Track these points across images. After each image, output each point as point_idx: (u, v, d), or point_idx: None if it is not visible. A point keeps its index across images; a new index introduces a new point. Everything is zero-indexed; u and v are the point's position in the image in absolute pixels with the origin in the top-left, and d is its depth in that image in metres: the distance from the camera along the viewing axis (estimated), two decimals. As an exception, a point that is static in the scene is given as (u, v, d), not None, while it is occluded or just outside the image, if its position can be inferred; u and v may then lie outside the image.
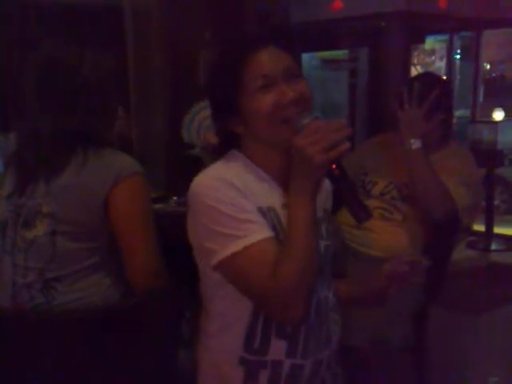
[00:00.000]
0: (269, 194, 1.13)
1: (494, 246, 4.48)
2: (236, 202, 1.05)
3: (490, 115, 5.00)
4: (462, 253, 4.18)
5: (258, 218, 1.07)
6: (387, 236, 2.00)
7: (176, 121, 2.44)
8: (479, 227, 4.46)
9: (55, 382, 1.24)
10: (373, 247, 2.01)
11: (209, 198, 1.06)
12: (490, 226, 4.52)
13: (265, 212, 1.09)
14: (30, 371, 1.26)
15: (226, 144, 1.19)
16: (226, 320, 1.14)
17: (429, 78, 2.18)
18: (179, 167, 1.19)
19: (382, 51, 4.43)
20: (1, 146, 2.36)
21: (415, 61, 6.13)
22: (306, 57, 5.32)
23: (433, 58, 6.62)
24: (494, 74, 6.35)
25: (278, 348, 1.12)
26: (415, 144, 1.87)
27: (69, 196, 1.30)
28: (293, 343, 1.12)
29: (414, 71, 5.43)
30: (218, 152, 1.19)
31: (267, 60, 1.10)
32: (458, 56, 6.11)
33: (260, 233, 1.05)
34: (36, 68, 1.38)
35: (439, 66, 6.46)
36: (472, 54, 5.50)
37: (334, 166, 1.02)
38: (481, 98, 5.73)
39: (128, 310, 1.30)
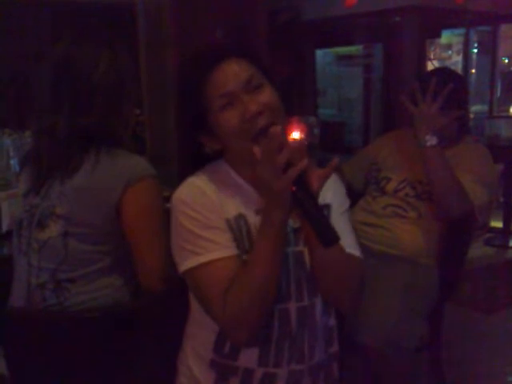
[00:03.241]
0: (243, 202, 1.12)
1: (511, 243, 4.43)
2: (202, 217, 1.07)
3: (507, 110, 4.94)
4: (479, 250, 4.14)
5: (221, 236, 1.07)
6: (402, 234, 1.98)
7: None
8: (497, 224, 4.42)
9: (65, 380, 1.25)
10: (387, 245, 1.99)
11: (178, 212, 1.09)
12: (507, 223, 4.46)
13: (231, 223, 1.09)
14: (41, 369, 1.27)
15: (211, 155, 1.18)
16: (200, 322, 1.15)
17: (443, 72, 2.14)
18: (192, 166, 1.19)
19: (396, 46, 4.39)
20: (16, 144, 2.38)
21: (432, 55, 6.06)
22: (320, 53, 5.30)
23: (449, 52, 6.52)
24: (511, 69, 6.26)
25: (248, 355, 1.11)
26: (431, 141, 1.83)
27: (81, 198, 1.31)
28: (264, 351, 1.10)
29: (431, 66, 5.37)
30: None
31: (224, 77, 1.08)
32: (475, 50, 6.03)
33: (217, 252, 1.06)
34: (52, 67, 1.38)
35: (456, 60, 6.37)
36: (489, 49, 5.43)
37: (293, 188, 0.96)
38: (498, 93, 5.65)
39: (136, 310, 1.30)
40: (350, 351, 1.56)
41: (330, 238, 0.96)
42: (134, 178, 1.31)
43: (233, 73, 1.08)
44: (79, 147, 1.33)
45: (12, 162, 2.42)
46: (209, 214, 1.07)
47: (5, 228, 1.88)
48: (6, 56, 3.13)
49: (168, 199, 1.18)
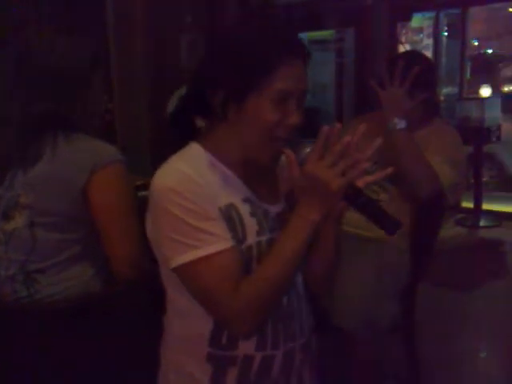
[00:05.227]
0: (229, 190, 1.08)
1: (482, 223, 4.51)
2: (197, 207, 1.01)
3: (477, 92, 5.01)
4: (451, 230, 4.21)
5: (217, 227, 1.02)
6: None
7: (159, 105, 2.42)
8: (468, 204, 4.49)
9: (37, 371, 1.24)
10: (360, 227, 2.00)
11: (167, 202, 1.01)
12: (478, 203, 4.55)
13: (223, 212, 1.05)
14: (13, 361, 1.26)
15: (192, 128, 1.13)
16: (191, 318, 1.11)
17: (411, 55, 2.16)
18: (164, 152, 1.15)
19: (368, 30, 4.41)
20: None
21: (403, 39, 6.09)
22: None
23: (421, 35, 6.56)
24: (481, 51, 6.33)
25: (247, 341, 1.09)
26: (399, 124, 1.85)
27: (45, 186, 1.28)
28: (262, 336, 1.10)
29: (402, 49, 5.40)
30: (181, 133, 1.14)
31: (294, 75, 1.04)
32: (446, 33, 6.08)
33: (216, 244, 1.01)
34: (12, 55, 1.37)
35: (427, 43, 6.41)
36: (459, 31, 5.48)
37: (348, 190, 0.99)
38: (468, 75, 5.72)
39: (107, 299, 1.29)
40: (323, 334, 1.58)
41: (394, 226, 1.01)
42: (99, 163, 1.29)
43: (302, 76, 1.06)
44: (33, 134, 1.30)
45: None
46: (203, 204, 1.02)
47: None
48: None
49: (140, 187, 1.17)
